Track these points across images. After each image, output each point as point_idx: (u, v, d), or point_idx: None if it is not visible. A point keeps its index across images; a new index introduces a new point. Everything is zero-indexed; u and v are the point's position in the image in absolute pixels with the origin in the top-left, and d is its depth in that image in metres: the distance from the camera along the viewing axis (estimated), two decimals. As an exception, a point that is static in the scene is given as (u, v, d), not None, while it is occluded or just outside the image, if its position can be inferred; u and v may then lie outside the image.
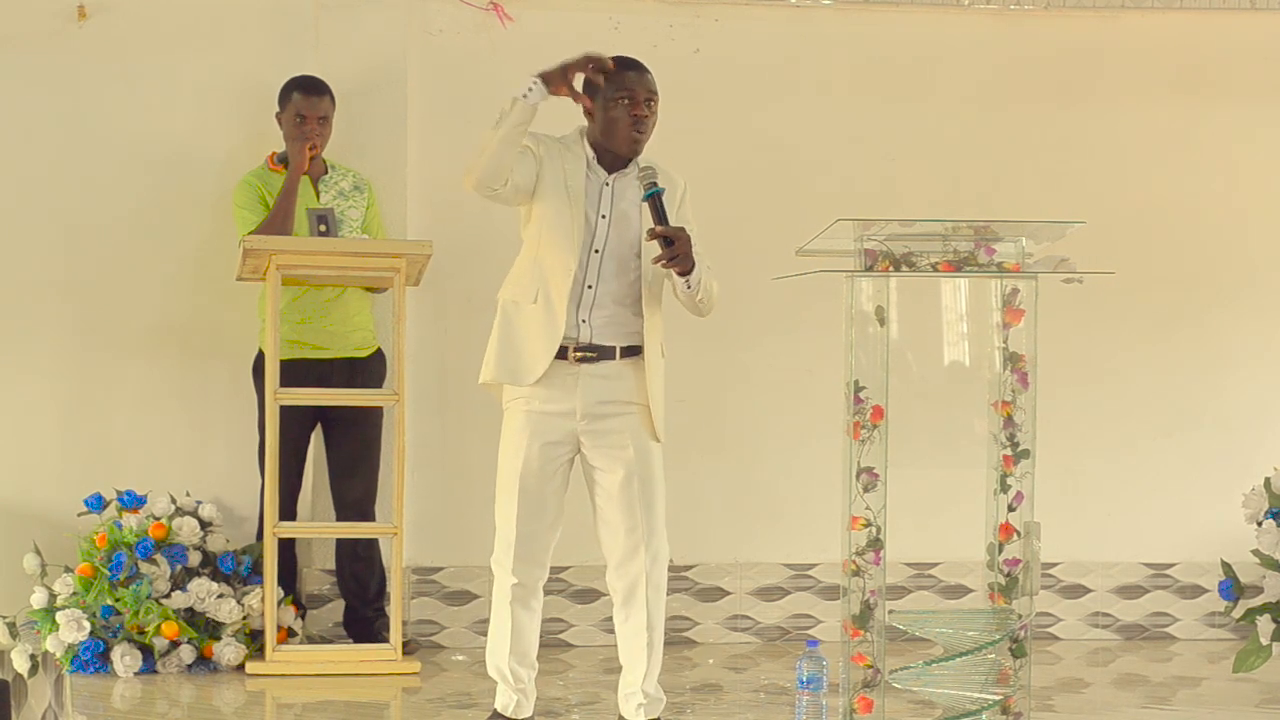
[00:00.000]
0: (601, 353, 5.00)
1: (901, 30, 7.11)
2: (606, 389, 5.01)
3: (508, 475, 5.03)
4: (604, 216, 5.01)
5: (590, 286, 5.00)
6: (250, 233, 6.20)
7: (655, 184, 4.93)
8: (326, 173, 6.51)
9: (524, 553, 5.02)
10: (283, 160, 6.45)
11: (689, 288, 4.97)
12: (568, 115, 5.09)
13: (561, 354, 4.98)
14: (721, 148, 6.95)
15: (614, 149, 5.00)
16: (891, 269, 4.87)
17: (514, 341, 5.02)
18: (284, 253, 6.08)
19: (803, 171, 7.01)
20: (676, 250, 4.87)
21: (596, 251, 5.00)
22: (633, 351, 5.03)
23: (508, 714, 5.14)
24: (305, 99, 6.40)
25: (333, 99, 6.44)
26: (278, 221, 6.28)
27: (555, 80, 4.86)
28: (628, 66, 5.04)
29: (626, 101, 4.99)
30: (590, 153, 5.05)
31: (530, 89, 4.84)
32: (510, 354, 5.03)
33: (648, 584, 5.06)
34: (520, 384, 4.99)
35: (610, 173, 5.04)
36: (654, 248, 4.97)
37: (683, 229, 4.92)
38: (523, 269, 5.06)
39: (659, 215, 4.90)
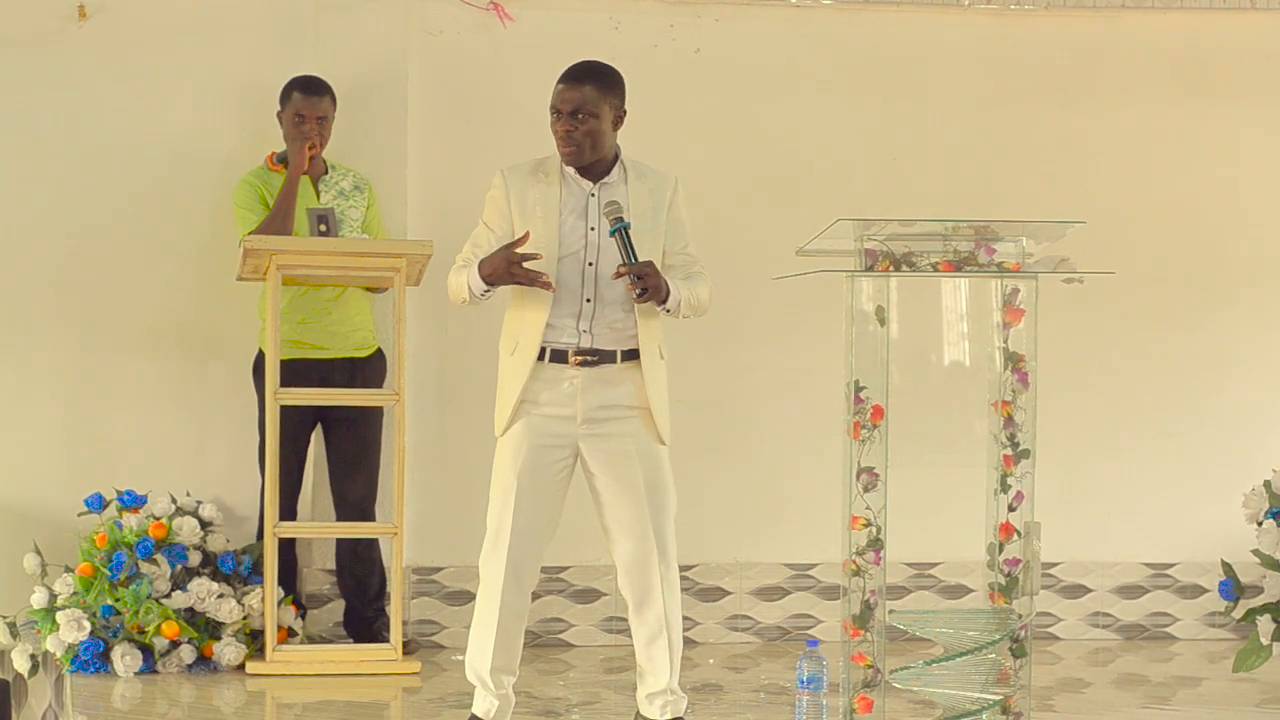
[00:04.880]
0: (602, 357, 5.01)
1: (901, 30, 7.11)
2: (607, 394, 5.01)
3: (504, 477, 5.02)
4: (593, 229, 5.01)
5: (589, 300, 5.00)
6: (250, 233, 6.20)
7: (621, 219, 4.93)
8: (326, 172, 6.51)
9: (517, 556, 5.01)
10: (282, 160, 6.45)
11: (668, 313, 5.00)
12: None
13: (562, 358, 4.99)
14: (722, 148, 6.95)
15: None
16: (892, 269, 4.88)
17: (500, 394, 5.08)
18: (284, 253, 6.08)
19: (803, 171, 7.01)
20: (645, 284, 4.89)
21: (591, 264, 5.01)
22: (633, 355, 5.04)
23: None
24: (305, 99, 6.40)
25: (333, 99, 6.44)
26: (278, 221, 6.28)
27: (502, 281, 4.95)
28: (561, 78, 5.05)
29: (554, 116, 5.03)
30: (570, 169, 5.05)
31: (487, 291, 4.98)
32: (498, 406, 5.08)
33: (664, 586, 5.05)
34: (498, 434, 5.05)
35: (596, 181, 5.05)
36: (653, 248, 4.99)
37: (649, 263, 4.92)
38: (507, 318, 5.10)
39: (626, 251, 4.90)
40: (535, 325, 4.98)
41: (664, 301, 4.96)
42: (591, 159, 5.03)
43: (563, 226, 5.01)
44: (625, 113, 5.10)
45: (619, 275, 4.91)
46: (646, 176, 5.10)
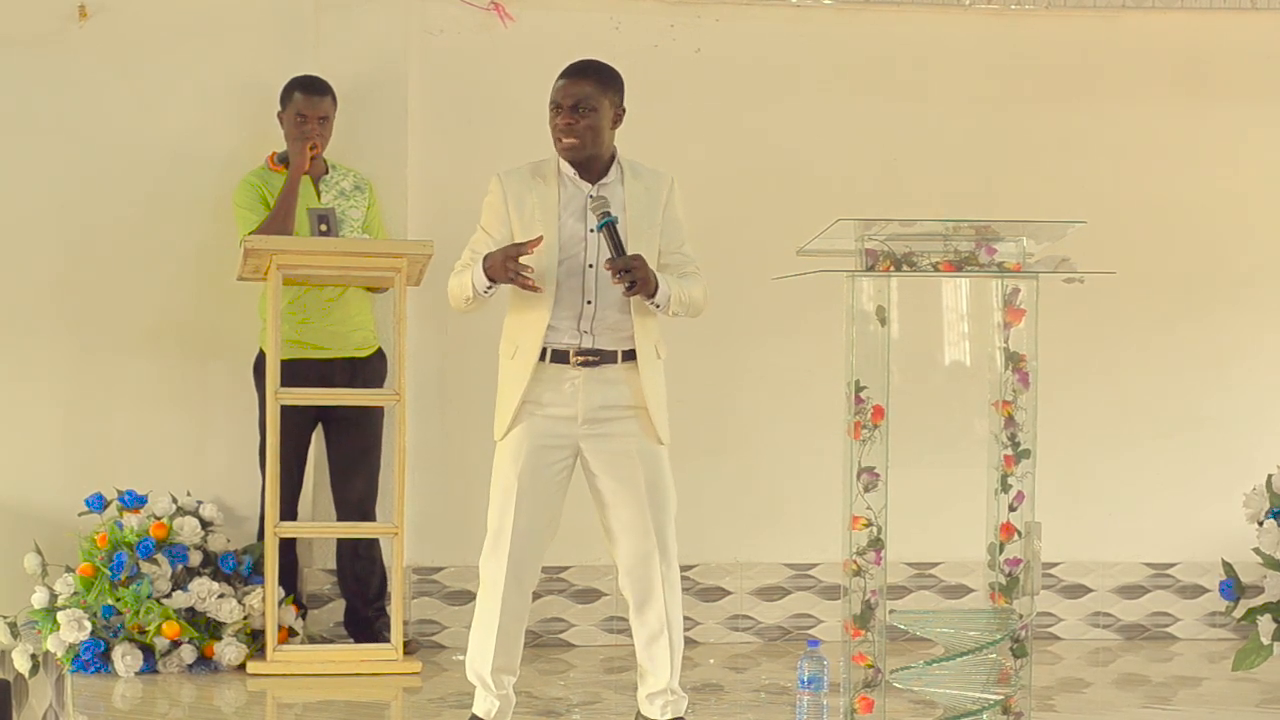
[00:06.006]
0: (603, 357, 5.01)
1: (901, 30, 7.11)
2: (607, 394, 5.01)
3: (505, 477, 5.02)
4: (592, 230, 5.00)
5: (590, 302, 5.00)
6: (251, 232, 6.20)
7: (609, 213, 4.93)
8: (327, 172, 6.51)
9: (518, 555, 5.01)
10: (283, 160, 6.45)
11: (657, 308, 4.99)
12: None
13: (563, 359, 4.99)
14: (722, 147, 6.95)
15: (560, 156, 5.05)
16: (892, 269, 4.88)
17: (500, 398, 5.08)
18: (285, 253, 6.08)
19: (803, 171, 7.01)
20: (634, 277, 4.88)
21: (590, 266, 5.01)
22: (634, 356, 5.04)
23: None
24: (306, 99, 6.40)
25: (334, 99, 6.44)
26: (278, 221, 6.28)
27: (500, 278, 4.95)
28: (562, 74, 5.05)
29: (553, 110, 5.02)
30: (569, 169, 5.05)
31: (489, 287, 4.98)
32: (498, 409, 5.08)
33: (665, 586, 5.05)
34: (498, 438, 5.05)
35: (594, 183, 5.04)
36: (649, 248, 5.00)
37: (637, 256, 4.92)
38: (507, 322, 5.10)
39: (614, 246, 4.91)
40: (536, 328, 4.98)
41: (653, 295, 4.95)
42: (590, 154, 5.02)
43: (562, 229, 5.01)
44: (624, 111, 5.10)
45: (607, 269, 4.91)
46: (643, 175, 5.10)
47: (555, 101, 5.02)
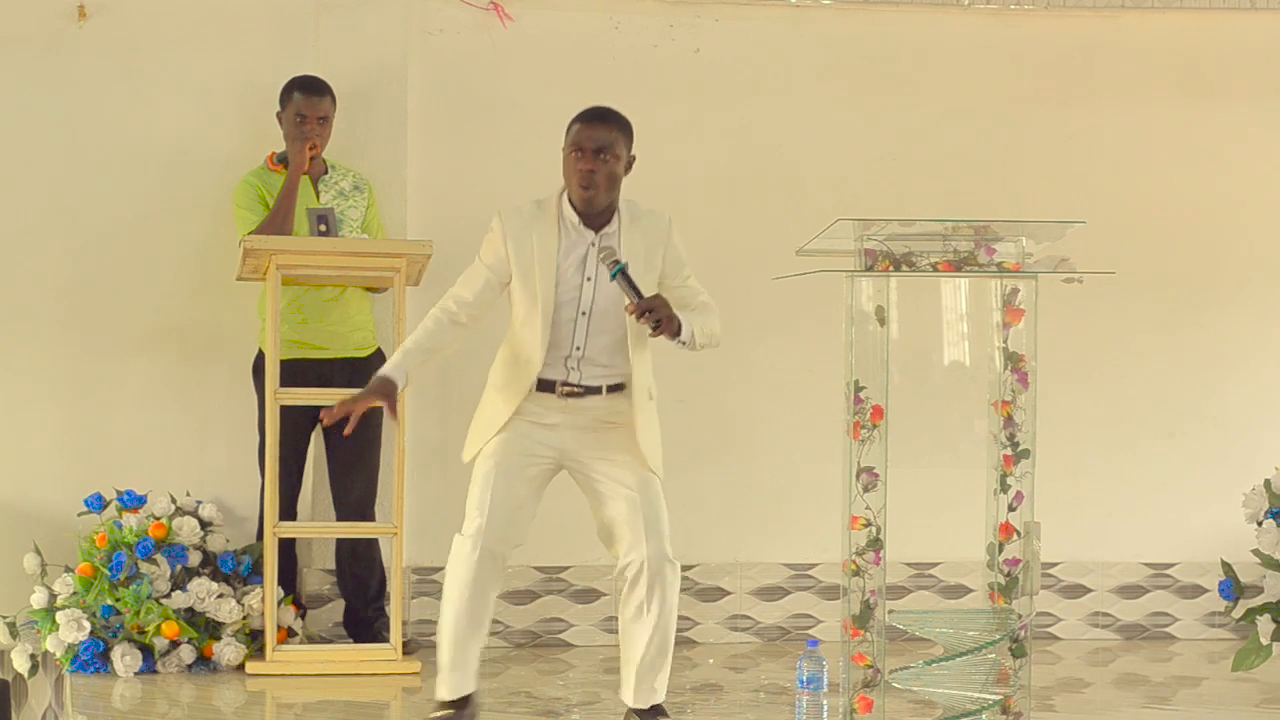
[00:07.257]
0: (588, 390, 5.01)
1: (901, 30, 7.11)
2: (596, 411, 5.01)
3: (483, 467, 5.00)
4: (589, 279, 4.99)
5: (579, 348, 4.99)
6: (250, 233, 6.20)
7: (618, 260, 4.90)
8: (326, 172, 6.51)
9: (492, 535, 4.95)
10: (283, 160, 6.45)
11: (683, 345, 4.94)
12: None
13: (549, 388, 4.99)
14: (721, 147, 6.95)
15: (574, 203, 5.00)
16: (892, 269, 4.88)
17: (480, 422, 5.09)
18: (284, 253, 6.08)
19: (803, 171, 7.01)
20: (658, 316, 4.84)
21: (584, 314, 4.99)
22: (618, 389, 5.03)
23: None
24: (306, 99, 6.40)
25: (333, 99, 6.44)
26: (278, 221, 6.28)
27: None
28: (580, 118, 5.01)
29: (575, 155, 4.96)
30: (572, 215, 5.01)
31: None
32: (475, 432, 5.09)
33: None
34: (470, 456, 5.07)
35: (597, 230, 5.01)
36: (650, 288, 4.96)
37: (657, 296, 4.89)
38: (502, 355, 5.10)
39: (632, 290, 4.87)
40: (528, 370, 4.98)
41: (677, 334, 4.89)
42: (604, 203, 4.99)
43: (560, 277, 4.98)
44: (634, 158, 5.05)
45: (631, 313, 4.86)
46: (640, 219, 5.06)
47: (577, 145, 4.96)
